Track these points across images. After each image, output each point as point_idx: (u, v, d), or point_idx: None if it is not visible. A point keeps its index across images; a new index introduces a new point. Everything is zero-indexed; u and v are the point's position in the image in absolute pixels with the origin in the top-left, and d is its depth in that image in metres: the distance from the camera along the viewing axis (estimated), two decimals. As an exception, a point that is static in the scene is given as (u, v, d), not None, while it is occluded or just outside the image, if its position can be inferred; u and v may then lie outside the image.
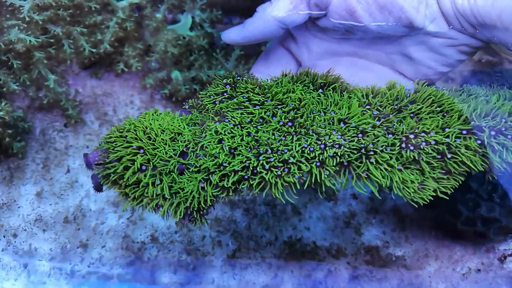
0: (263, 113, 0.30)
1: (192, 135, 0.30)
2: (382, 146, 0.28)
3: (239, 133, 0.29)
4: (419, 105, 0.30)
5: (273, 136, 0.29)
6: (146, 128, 0.30)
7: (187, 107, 0.34)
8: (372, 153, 0.28)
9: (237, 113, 0.30)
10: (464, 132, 0.28)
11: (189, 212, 0.29)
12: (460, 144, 0.28)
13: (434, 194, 0.28)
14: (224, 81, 0.33)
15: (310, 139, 0.28)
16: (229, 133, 0.29)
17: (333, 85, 0.33)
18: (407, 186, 0.28)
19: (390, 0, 0.30)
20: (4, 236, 0.46)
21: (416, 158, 0.28)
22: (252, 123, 0.30)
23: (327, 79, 0.34)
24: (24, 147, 0.50)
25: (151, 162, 0.28)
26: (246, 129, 0.29)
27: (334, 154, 0.27)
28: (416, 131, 0.28)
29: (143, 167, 0.28)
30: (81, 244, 0.46)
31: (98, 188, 0.31)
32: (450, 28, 0.31)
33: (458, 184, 0.29)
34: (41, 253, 0.45)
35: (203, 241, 0.48)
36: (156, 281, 0.45)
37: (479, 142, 0.28)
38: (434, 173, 0.28)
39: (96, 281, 0.44)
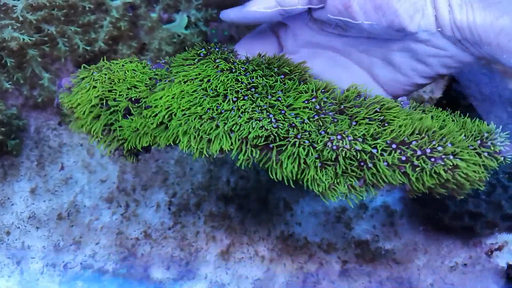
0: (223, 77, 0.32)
1: (147, 89, 0.32)
2: (308, 140, 0.28)
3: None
4: (362, 109, 0.31)
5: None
6: (113, 72, 0.33)
7: (162, 62, 0.36)
8: (295, 144, 0.28)
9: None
10: (394, 146, 0.28)
11: (121, 149, 0.32)
12: (383, 157, 0.27)
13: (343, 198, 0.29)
14: (202, 49, 0.36)
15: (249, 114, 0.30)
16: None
17: (294, 74, 0.34)
18: (317, 183, 0.28)
19: (386, 2, 0.30)
20: (-3, 233, 0.46)
21: (333, 160, 0.28)
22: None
23: (293, 68, 0.34)
24: (19, 144, 0.50)
25: (104, 100, 0.32)
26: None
27: (261, 134, 0.28)
28: (344, 134, 0.28)
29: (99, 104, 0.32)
30: (75, 241, 0.47)
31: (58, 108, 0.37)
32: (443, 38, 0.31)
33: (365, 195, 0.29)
34: (34, 250, 0.46)
35: (197, 236, 0.48)
36: (149, 277, 0.45)
37: (403, 158, 0.27)
38: (349, 180, 0.28)
39: (90, 277, 0.45)
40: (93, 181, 0.50)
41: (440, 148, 0.27)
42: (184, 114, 0.29)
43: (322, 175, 0.28)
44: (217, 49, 0.36)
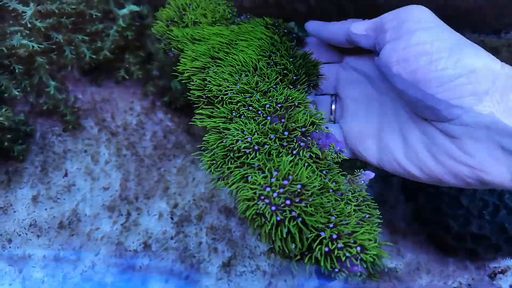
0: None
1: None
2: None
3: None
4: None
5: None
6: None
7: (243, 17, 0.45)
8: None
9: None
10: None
11: None
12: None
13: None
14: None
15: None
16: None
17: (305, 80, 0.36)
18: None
19: (435, 87, 0.27)
20: (-1, 241, 0.46)
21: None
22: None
23: (308, 78, 0.36)
24: (25, 150, 0.51)
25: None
26: None
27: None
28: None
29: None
30: (75, 251, 0.47)
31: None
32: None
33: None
34: (34, 259, 0.46)
35: (200, 247, 0.48)
36: (149, 289, 0.45)
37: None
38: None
39: None
40: (96, 188, 0.51)
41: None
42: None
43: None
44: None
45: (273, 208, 0.25)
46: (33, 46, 0.50)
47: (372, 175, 0.32)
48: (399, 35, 0.29)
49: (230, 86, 0.33)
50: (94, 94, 0.55)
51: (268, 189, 0.26)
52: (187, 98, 0.55)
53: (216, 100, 0.33)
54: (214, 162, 0.30)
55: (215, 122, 0.32)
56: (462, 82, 0.26)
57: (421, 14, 0.29)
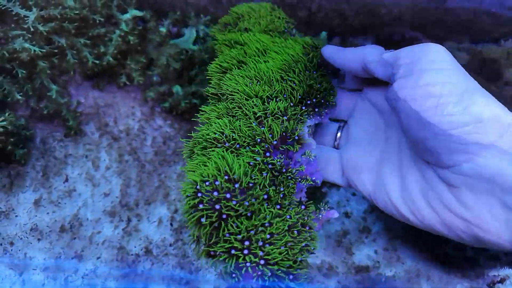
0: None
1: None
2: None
3: None
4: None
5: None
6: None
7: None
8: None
9: None
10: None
11: None
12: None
13: None
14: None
15: None
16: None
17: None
18: None
19: (434, 105, 0.26)
20: (1, 245, 0.46)
21: None
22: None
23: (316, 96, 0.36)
24: (26, 154, 0.51)
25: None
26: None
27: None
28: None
29: None
30: (76, 255, 0.47)
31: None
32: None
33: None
34: (35, 262, 0.46)
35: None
36: (149, 294, 0.45)
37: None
38: None
39: (90, 291, 0.45)
40: (97, 194, 0.51)
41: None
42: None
43: None
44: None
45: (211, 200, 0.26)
46: (35, 50, 0.50)
47: (336, 215, 0.32)
48: (411, 72, 0.28)
49: (236, 87, 0.34)
50: (97, 98, 0.56)
51: (217, 182, 0.27)
52: (188, 103, 0.55)
53: (223, 97, 0.35)
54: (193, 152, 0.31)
55: (209, 114, 0.33)
56: (468, 131, 0.25)
57: (436, 54, 0.28)
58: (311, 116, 0.35)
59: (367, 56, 0.32)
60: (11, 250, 0.46)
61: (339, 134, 0.40)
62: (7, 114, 0.47)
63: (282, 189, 0.29)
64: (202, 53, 0.55)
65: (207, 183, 0.26)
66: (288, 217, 0.28)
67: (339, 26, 0.61)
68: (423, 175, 0.29)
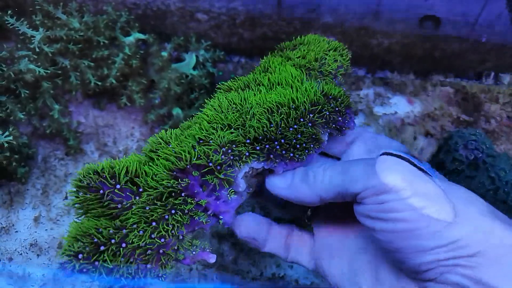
0: None
1: None
2: None
3: None
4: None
5: None
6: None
7: None
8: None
9: None
10: None
11: None
12: None
13: None
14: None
15: None
16: None
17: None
18: None
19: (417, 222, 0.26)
20: (0, 260, 0.48)
21: None
22: None
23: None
24: (28, 172, 0.52)
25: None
26: None
27: None
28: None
29: None
30: (74, 271, 0.48)
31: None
32: None
33: None
34: (34, 278, 0.47)
35: (190, 273, 0.50)
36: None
37: None
38: None
39: (86, 308, 0.46)
40: (95, 211, 0.52)
41: None
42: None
43: None
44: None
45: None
46: (39, 72, 0.51)
47: (212, 260, 0.31)
48: (378, 204, 0.28)
49: (207, 109, 0.34)
50: (97, 118, 0.57)
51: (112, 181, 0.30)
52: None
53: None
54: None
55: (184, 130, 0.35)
56: (443, 250, 0.26)
57: (395, 182, 0.27)
58: (260, 160, 0.32)
59: (320, 193, 0.31)
60: (10, 266, 0.48)
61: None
62: (11, 129, 0.49)
63: (173, 212, 0.29)
64: (202, 78, 0.57)
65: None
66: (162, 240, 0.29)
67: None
68: (398, 279, 0.30)
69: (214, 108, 0.34)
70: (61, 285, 0.47)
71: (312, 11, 0.59)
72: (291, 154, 0.33)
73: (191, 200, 0.29)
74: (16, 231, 0.50)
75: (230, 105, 0.34)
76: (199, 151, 0.30)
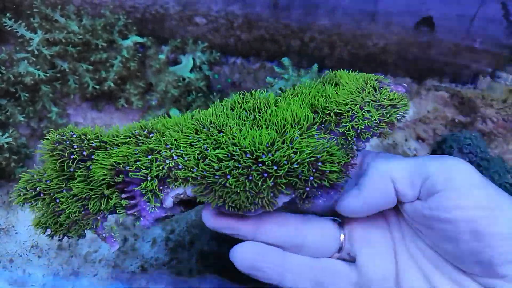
0: None
1: None
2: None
3: None
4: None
5: None
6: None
7: None
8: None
9: None
10: None
11: None
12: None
13: None
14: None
15: None
16: None
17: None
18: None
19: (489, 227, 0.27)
20: (0, 262, 0.48)
21: None
22: None
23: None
24: (26, 171, 0.53)
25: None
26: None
27: None
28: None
29: None
30: (73, 272, 0.49)
31: None
32: None
33: None
34: (34, 278, 0.48)
35: (191, 273, 0.51)
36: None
37: None
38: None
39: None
40: (94, 212, 0.53)
41: None
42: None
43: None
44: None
45: None
46: (39, 75, 0.52)
47: (113, 249, 0.35)
48: (450, 189, 0.28)
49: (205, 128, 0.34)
50: (95, 119, 0.58)
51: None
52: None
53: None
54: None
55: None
56: None
57: (467, 170, 0.29)
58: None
59: (396, 181, 0.30)
60: (10, 267, 0.48)
61: (342, 236, 0.34)
62: (11, 131, 0.49)
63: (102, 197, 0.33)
64: (198, 81, 0.57)
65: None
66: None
67: (328, 57, 0.65)
68: (458, 283, 0.30)
69: (193, 124, 0.34)
70: (60, 285, 0.48)
71: (309, 14, 0.60)
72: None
73: (117, 195, 0.33)
74: (16, 232, 0.50)
75: (205, 127, 0.33)
76: (144, 160, 0.32)
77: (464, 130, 0.57)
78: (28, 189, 0.34)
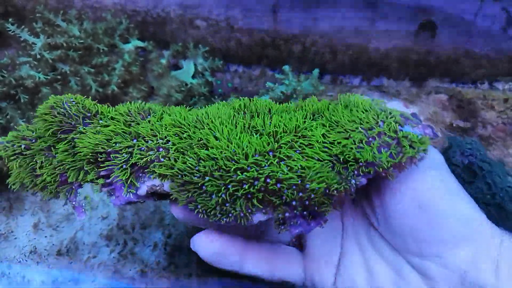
0: None
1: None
2: None
3: None
4: None
5: None
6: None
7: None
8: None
9: None
10: None
11: None
12: None
13: None
14: None
15: None
16: None
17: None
18: None
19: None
20: (-2, 267, 0.48)
21: None
22: None
23: None
24: (25, 178, 0.52)
25: None
26: None
27: None
28: None
29: None
30: (72, 278, 0.48)
31: None
32: None
33: None
34: (33, 284, 0.47)
35: (190, 278, 0.50)
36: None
37: None
38: None
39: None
40: (94, 217, 0.53)
41: None
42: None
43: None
44: None
45: None
46: (39, 77, 0.52)
47: (79, 218, 0.36)
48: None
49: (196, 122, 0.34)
50: (96, 124, 0.58)
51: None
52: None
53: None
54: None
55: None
56: (456, 225, 0.27)
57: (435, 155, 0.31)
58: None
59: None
60: (9, 273, 0.48)
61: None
62: (9, 138, 0.49)
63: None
64: (201, 87, 0.57)
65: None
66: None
67: (330, 62, 0.65)
68: (392, 264, 0.31)
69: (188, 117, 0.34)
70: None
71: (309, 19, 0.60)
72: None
73: (96, 172, 0.33)
74: (15, 238, 0.50)
75: (198, 121, 0.33)
76: (128, 142, 0.32)
77: (466, 137, 0.57)
78: (13, 144, 0.35)
